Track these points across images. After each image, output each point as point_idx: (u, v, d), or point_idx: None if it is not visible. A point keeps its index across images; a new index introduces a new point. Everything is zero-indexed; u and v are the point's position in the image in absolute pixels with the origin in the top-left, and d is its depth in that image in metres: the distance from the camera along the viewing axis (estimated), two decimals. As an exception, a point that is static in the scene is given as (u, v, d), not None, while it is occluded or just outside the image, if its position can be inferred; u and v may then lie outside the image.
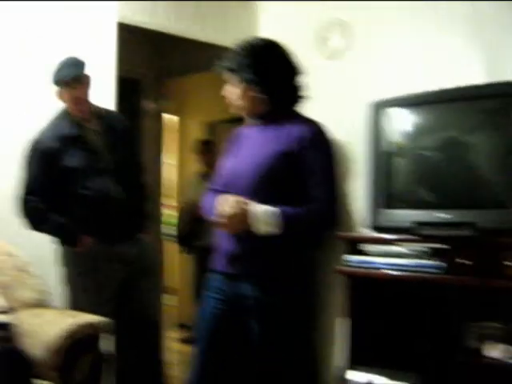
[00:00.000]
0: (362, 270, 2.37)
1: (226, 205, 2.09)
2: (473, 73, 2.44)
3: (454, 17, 2.54)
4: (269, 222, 2.06)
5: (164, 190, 5.10)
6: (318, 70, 2.82)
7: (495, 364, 2.13)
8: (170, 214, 5.47)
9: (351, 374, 2.41)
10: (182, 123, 5.94)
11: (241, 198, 2.09)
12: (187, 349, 3.58)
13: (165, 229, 5.16)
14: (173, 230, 5.22)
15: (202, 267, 3.11)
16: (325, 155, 2.22)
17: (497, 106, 2.19)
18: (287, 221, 2.07)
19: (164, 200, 5.17)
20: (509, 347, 2.14)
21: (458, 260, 2.15)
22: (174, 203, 5.66)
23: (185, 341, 4.70)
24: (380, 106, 2.44)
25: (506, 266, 2.06)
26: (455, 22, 2.54)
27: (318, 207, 2.15)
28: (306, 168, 2.15)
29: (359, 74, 2.81)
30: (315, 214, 2.15)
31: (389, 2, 2.70)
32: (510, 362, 2.10)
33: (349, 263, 2.40)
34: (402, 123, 2.43)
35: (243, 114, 2.32)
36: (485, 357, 2.16)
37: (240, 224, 2.07)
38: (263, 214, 2.07)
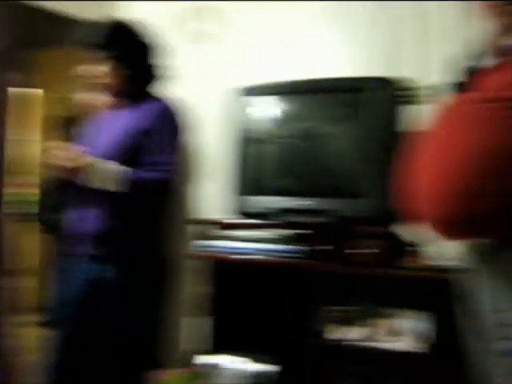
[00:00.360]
0: (225, 255, 2.40)
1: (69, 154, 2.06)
2: (339, 66, 2.57)
3: (326, 10, 2.64)
4: (115, 179, 2.05)
5: (24, 167, 4.82)
6: (185, 53, 2.84)
7: (338, 345, 2.27)
8: (29, 192, 5.19)
9: (200, 358, 2.45)
10: (46, 98, 5.63)
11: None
12: (45, 333, 3.42)
13: (23, 208, 4.89)
14: (33, 209, 4.96)
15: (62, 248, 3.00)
16: (171, 130, 2.24)
17: (353, 99, 2.30)
18: (133, 180, 2.07)
19: (22, 178, 4.88)
20: (353, 328, 2.28)
21: (314, 246, 2.26)
22: (36, 180, 5.38)
23: (42, 324, 4.49)
24: (246, 93, 2.46)
25: (357, 252, 2.20)
26: (326, 15, 2.63)
27: (159, 175, 2.17)
28: (153, 142, 2.17)
29: (228, 60, 2.83)
30: (155, 179, 2.17)
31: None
32: (352, 344, 2.25)
33: (212, 248, 2.43)
34: (267, 111, 2.47)
35: (107, 92, 2.26)
36: (329, 339, 2.29)
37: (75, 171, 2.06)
38: (111, 171, 2.06)
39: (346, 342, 2.27)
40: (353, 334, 2.28)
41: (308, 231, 2.28)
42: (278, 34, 2.74)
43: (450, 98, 1.21)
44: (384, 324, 2.28)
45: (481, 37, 1.19)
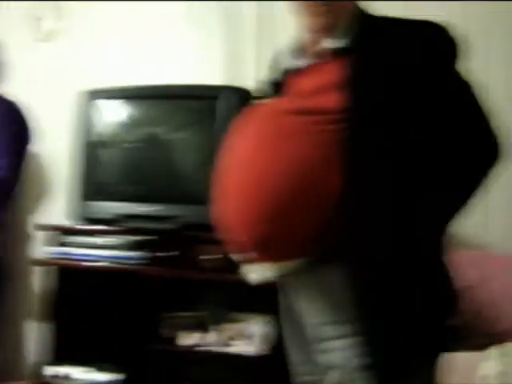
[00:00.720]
0: (65, 261, 2.31)
1: None
2: (188, 73, 2.58)
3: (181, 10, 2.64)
4: None
5: None
6: (30, 51, 2.75)
7: (190, 351, 2.27)
8: None
9: (50, 369, 2.35)
10: None
11: None
12: None
13: None
14: None
15: None
16: (14, 132, 2.24)
17: (202, 106, 2.31)
18: None
19: None
20: (202, 334, 2.29)
21: (159, 253, 2.24)
22: None
23: None
24: (90, 96, 2.40)
25: (203, 258, 2.21)
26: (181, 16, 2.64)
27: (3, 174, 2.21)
28: None
29: (73, 61, 2.75)
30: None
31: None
32: (203, 349, 2.25)
33: (52, 254, 2.33)
34: (111, 115, 2.42)
35: None
36: (179, 345, 2.28)
37: None
38: None
39: (196, 348, 2.27)
40: (203, 339, 2.29)
41: (153, 237, 2.26)
42: (130, 35, 2.71)
43: (263, 102, 1.20)
44: (233, 328, 2.32)
45: (300, 37, 1.19)
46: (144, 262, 2.23)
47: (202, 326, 2.35)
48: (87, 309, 2.45)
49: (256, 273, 1.11)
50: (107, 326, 2.46)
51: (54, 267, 2.36)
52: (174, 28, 2.65)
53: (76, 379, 2.33)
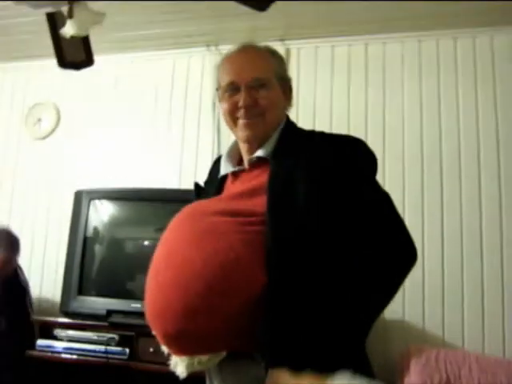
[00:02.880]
0: (51, 355, 2.35)
1: None
2: (174, 177, 2.76)
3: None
4: None
5: None
6: (27, 151, 2.98)
7: None
8: None
9: None
10: None
11: None
12: None
13: None
14: None
15: None
16: None
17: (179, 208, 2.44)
18: None
19: None
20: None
21: (141, 347, 2.28)
22: None
23: None
24: (83, 195, 2.55)
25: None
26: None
27: None
28: None
29: (68, 162, 2.96)
30: None
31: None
32: None
33: (40, 348, 2.37)
34: (103, 214, 2.57)
35: None
36: None
37: None
38: None
39: None
40: None
41: (134, 333, 2.31)
42: (118, 141, 2.94)
43: (196, 201, 1.27)
44: None
45: (236, 145, 1.30)
46: (126, 356, 2.28)
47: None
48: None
49: (179, 366, 1.11)
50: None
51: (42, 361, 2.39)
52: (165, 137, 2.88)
53: None
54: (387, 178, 2.49)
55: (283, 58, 1.33)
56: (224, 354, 1.10)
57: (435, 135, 2.55)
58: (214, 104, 2.80)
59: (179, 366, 1.12)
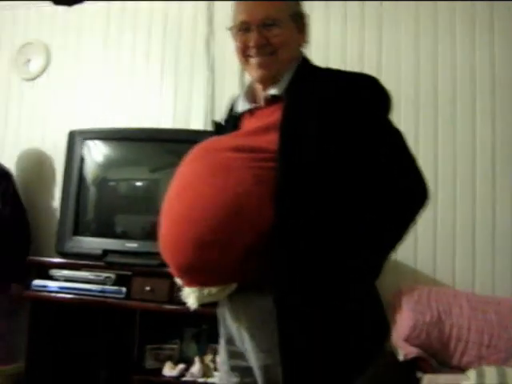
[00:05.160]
0: (46, 294, 2.36)
1: None
2: (168, 117, 2.72)
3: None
4: None
5: None
6: (18, 90, 2.91)
7: (174, 382, 2.30)
8: None
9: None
10: None
11: None
12: None
13: None
14: None
15: None
16: None
17: (182, 149, 2.42)
18: None
19: None
20: (186, 366, 2.34)
21: (139, 287, 2.31)
22: None
23: None
24: (78, 135, 2.52)
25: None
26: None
27: None
28: None
29: (61, 101, 2.91)
30: None
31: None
32: (187, 380, 2.29)
33: (34, 288, 2.38)
34: (97, 154, 2.54)
35: None
36: (163, 375, 2.32)
37: None
38: None
39: (181, 379, 2.29)
40: (187, 370, 2.32)
41: (130, 272, 2.32)
42: (111, 81, 2.88)
43: (210, 138, 1.27)
44: (216, 359, 2.32)
45: (252, 83, 1.30)
46: (123, 295, 2.30)
47: (186, 358, 2.41)
48: (70, 343, 2.51)
49: (190, 297, 1.14)
50: (92, 358, 2.51)
51: (32, 300, 2.42)
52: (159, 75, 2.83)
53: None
54: (402, 117, 2.53)
55: None
56: (234, 286, 1.14)
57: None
58: (207, 42, 2.75)
59: (190, 297, 1.15)
